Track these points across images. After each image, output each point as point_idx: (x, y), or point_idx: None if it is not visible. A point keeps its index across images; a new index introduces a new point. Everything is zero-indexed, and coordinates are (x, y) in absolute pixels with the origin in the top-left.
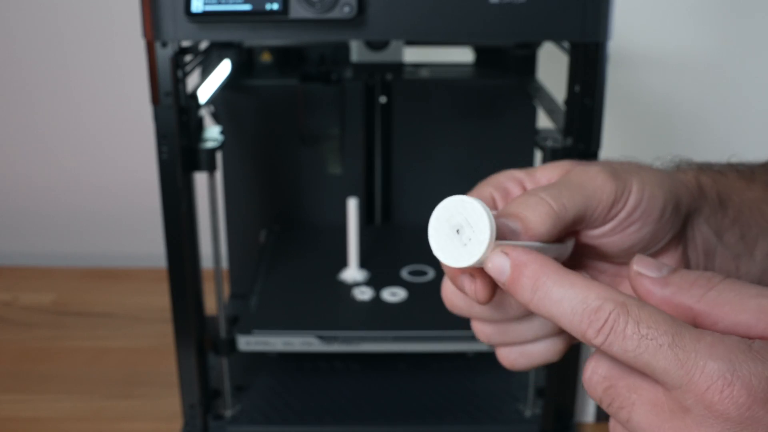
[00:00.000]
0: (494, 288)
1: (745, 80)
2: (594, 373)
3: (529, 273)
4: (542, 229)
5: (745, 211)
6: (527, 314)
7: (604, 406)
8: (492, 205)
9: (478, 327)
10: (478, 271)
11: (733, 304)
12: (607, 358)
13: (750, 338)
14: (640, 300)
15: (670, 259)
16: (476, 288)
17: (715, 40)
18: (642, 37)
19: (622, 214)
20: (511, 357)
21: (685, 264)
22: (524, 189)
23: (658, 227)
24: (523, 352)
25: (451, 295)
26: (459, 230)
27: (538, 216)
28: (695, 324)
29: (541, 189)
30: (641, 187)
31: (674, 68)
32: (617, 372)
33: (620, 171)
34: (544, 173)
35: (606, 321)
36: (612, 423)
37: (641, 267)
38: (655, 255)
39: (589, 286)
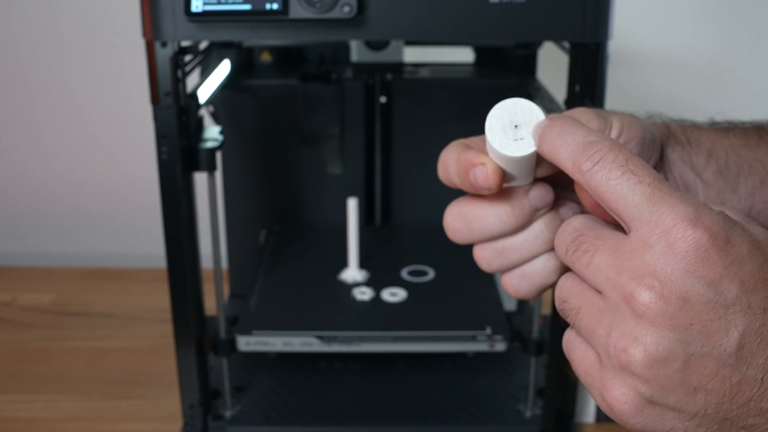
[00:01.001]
0: (502, 177)
1: (746, 79)
2: (568, 225)
3: (557, 122)
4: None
5: (721, 153)
6: (522, 225)
7: (568, 256)
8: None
9: (478, 253)
10: (492, 163)
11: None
12: (582, 216)
13: None
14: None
15: None
16: (488, 173)
17: (715, 39)
18: (643, 36)
19: None
20: (514, 282)
21: None
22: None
23: (642, 151)
24: (523, 274)
25: (452, 221)
26: (517, 126)
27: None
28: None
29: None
30: (620, 121)
31: (675, 68)
32: (589, 223)
33: (605, 115)
34: None
35: (598, 151)
36: (566, 334)
37: None
38: None
39: (590, 130)
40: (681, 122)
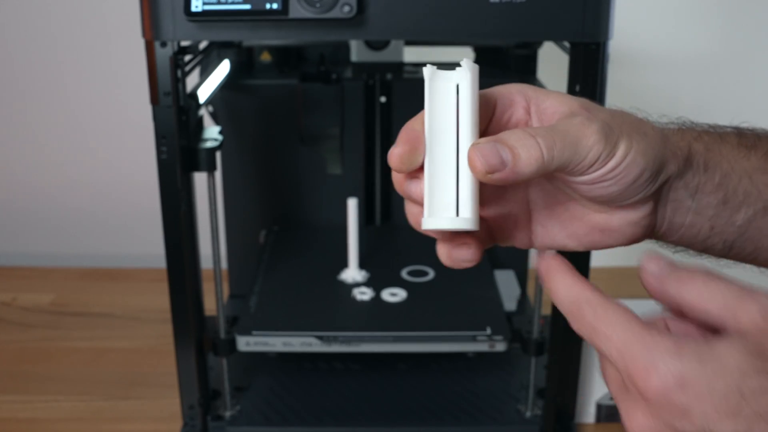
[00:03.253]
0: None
1: (747, 79)
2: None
3: (550, 274)
4: (527, 171)
5: (734, 178)
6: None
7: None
8: (492, 105)
9: (408, 209)
10: None
11: (706, 301)
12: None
13: (714, 327)
14: (608, 300)
15: (636, 212)
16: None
17: (716, 40)
18: (643, 36)
19: (596, 174)
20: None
21: (652, 218)
22: (527, 109)
23: (627, 190)
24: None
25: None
26: None
27: (527, 158)
28: (681, 311)
29: (540, 132)
30: (625, 153)
31: (676, 68)
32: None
33: (615, 131)
34: (552, 104)
35: (577, 312)
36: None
37: (646, 263)
38: (621, 207)
39: (573, 284)
40: (708, 133)
